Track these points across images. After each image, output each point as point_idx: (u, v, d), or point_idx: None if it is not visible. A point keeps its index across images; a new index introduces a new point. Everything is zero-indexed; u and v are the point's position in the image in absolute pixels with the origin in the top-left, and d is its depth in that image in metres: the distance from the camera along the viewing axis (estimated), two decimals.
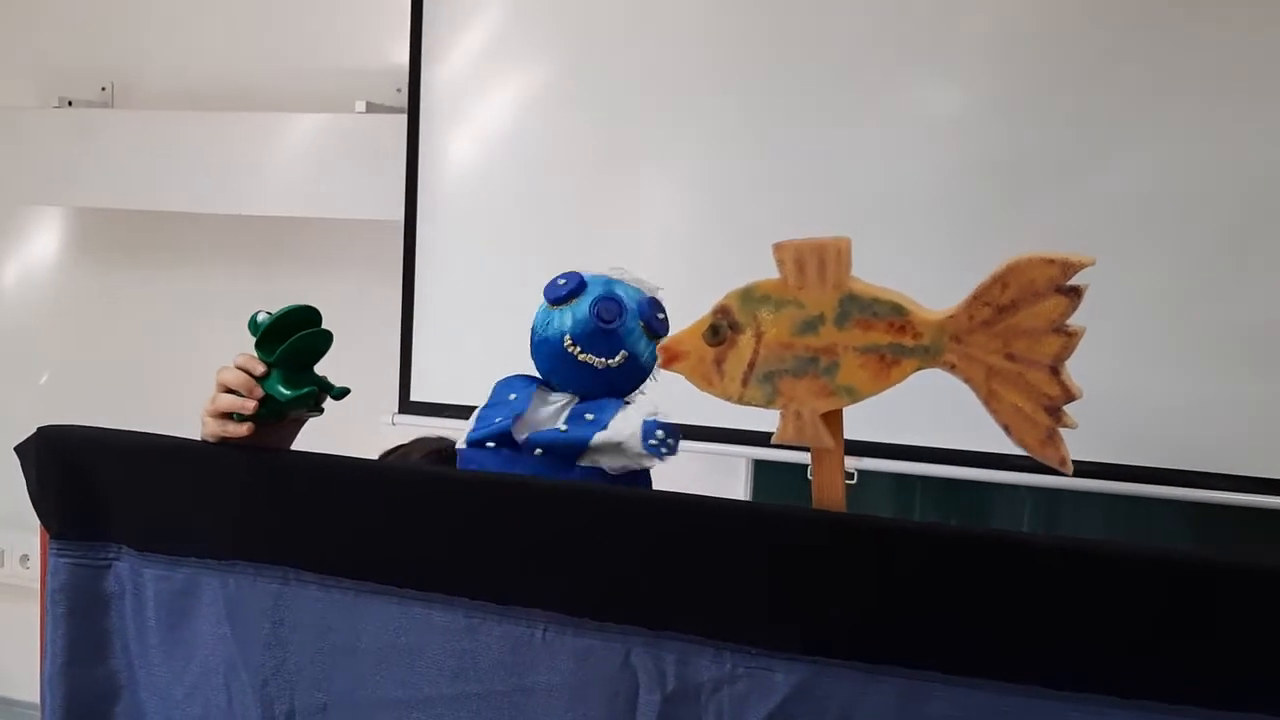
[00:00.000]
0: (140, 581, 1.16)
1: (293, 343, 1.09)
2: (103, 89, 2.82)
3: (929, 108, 2.16)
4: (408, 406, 2.43)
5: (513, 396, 1.17)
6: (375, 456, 1.35)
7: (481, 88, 2.42)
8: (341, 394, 1.13)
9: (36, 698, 1.20)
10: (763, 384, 1.01)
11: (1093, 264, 0.90)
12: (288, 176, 2.58)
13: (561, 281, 1.18)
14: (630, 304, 1.17)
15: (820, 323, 0.98)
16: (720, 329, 1.01)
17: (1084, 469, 1.98)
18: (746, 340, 1.01)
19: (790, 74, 2.21)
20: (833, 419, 1.01)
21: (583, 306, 1.16)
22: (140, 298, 2.89)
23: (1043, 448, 0.94)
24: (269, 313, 1.11)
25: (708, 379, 1.03)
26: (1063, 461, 0.94)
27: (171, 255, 2.87)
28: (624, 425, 1.13)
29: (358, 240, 2.65)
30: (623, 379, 1.18)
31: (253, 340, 1.12)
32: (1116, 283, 2.00)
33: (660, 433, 1.12)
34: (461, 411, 1.23)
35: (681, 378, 1.05)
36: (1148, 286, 2.01)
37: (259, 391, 1.10)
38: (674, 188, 2.33)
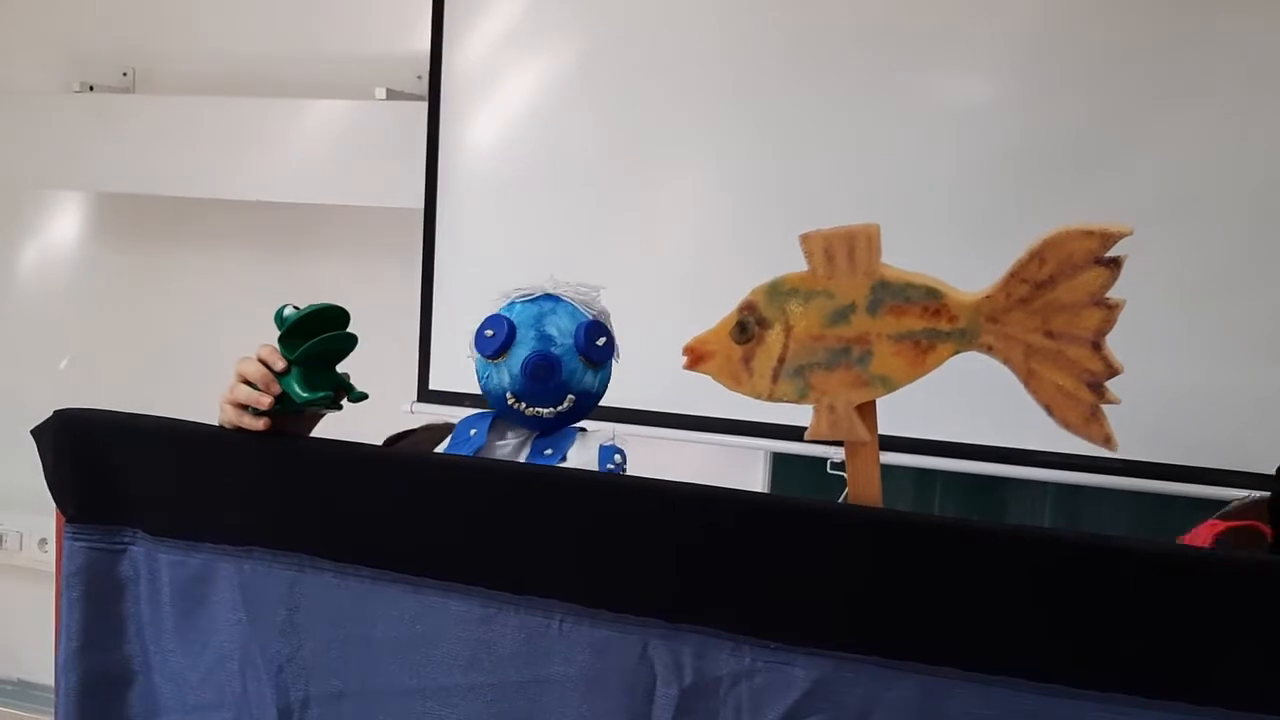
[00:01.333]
0: (155, 566, 1.16)
1: (315, 344, 1.08)
2: (124, 74, 2.83)
3: (949, 101, 2.13)
4: (426, 395, 2.43)
5: (473, 432, 1.18)
6: (382, 442, 1.35)
7: (502, 75, 2.42)
8: (360, 398, 1.12)
9: (53, 681, 1.20)
10: (794, 379, 0.99)
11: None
12: (308, 163, 2.57)
13: (489, 333, 1.15)
14: (565, 344, 1.14)
15: (851, 312, 0.96)
16: (748, 325, 0.99)
17: (1106, 465, 1.99)
18: (775, 335, 0.99)
19: (809, 63, 2.19)
20: (866, 411, 0.99)
21: (515, 363, 1.13)
22: (160, 283, 2.89)
23: (1086, 425, 0.92)
24: (296, 307, 1.10)
25: (736, 378, 1.01)
26: (1107, 439, 0.92)
27: (191, 241, 2.87)
28: (582, 454, 1.14)
29: (377, 227, 2.65)
30: (575, 415, 1.17)
31: (276, 331, 1.11)
32: (1137, 277, 1.97)
33: (617, 457, 1.14)
34: (480, 401, 1.23)
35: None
36: (1169, 280, 1.98)
37: (276, 388, 1.09)
38: (692, 175, 2.32)
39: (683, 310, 2.24)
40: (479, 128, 2.42)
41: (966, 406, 1.98)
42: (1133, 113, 2.01)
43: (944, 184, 2.09)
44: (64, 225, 3.02)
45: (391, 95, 2.51)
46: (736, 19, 2.24)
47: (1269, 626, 0.86)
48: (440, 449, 1.22)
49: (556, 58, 2.39)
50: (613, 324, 1.22)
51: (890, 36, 2.13)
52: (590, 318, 1.16)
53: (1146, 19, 2.00)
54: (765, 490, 2.32)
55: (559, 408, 1.15)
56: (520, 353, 1.13)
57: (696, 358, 1.02)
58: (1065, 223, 2.08)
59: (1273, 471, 1.41)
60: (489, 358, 1.15)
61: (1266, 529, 0.81)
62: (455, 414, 2.03)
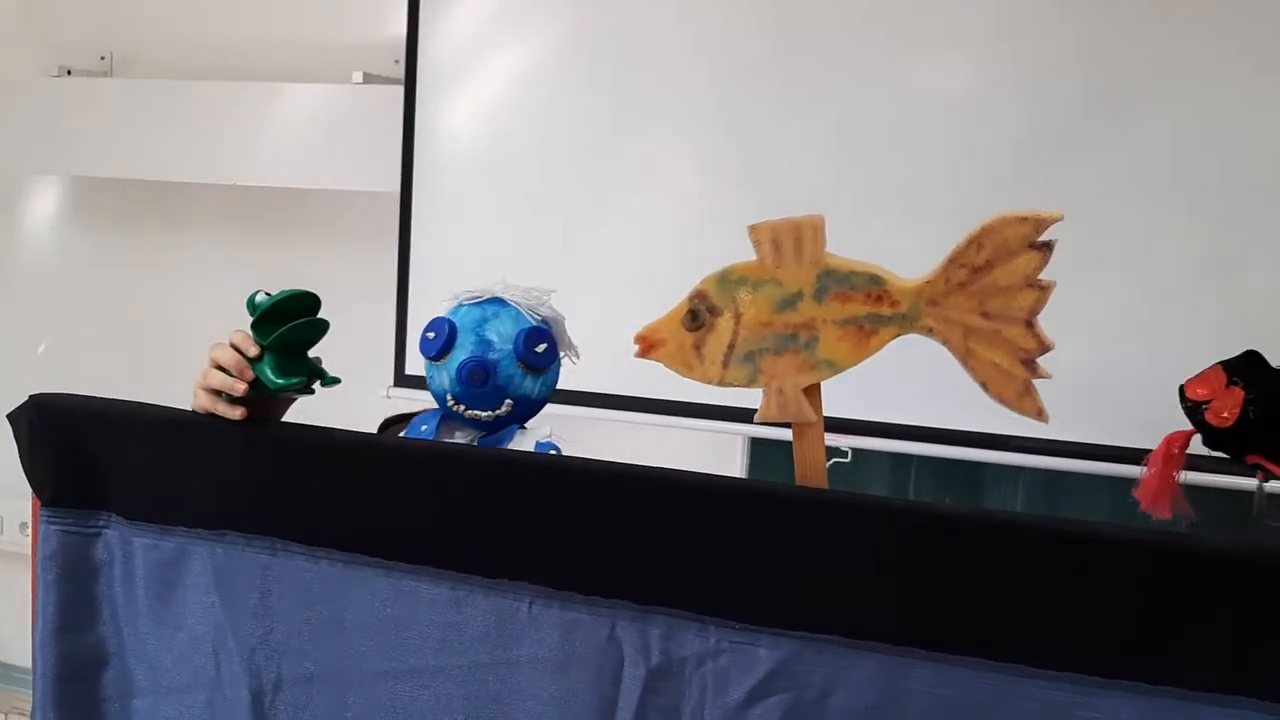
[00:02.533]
0: (129, 550, 1.17)
1: (289, 330, 1.09)
2: (102, 58, 2.81)
3: (932, 89, 2.14)
4: (403, 380, 2.43)
5: (424, 428, 1.19)
6: (376, 426, 1.35)
7: (479, 59, 2.41)
8: (332, 383, 1.13)
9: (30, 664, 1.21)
10: (744, 364, 1.02)
11: (1061, 219, 0.93)
12: (285, 147, 2.57)
13: (431, 335, 1.16)
14: (503, 349, 1.15)
15: (799, 299, 1.00)
16: (699, 314, 1.03)
17: (1079, 450, 2.01)
18: (725, 322, 1.02)
19: (789, 49, 2.19)
20: (812, 393, 1.03)
21: (452, 367, 1.14)
22: (137, 267, 2.89)
23: (1020, 400, 0.97)
24: (268, 293, 1.11)
25: (687, 364, 1.04)
26: (1039, 412, 0.96)
27: (169, 225, 2.86)
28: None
29: (354, 212, 2.65)
30: (515, 420, 1.18)
31: (249, 317, 1.11)
32: (1120, 264, 2.00)
33: (552, 453, 1.15)
34: None
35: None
36: (1152, 268, 2.00)
37: (249, 374, 1.10)
38: (673, 161, 2.32)
39: (661, 295, 2.26)
40: (455, 113, 2.42)
41: (942, 391, 2.00)
42: (1121, 101, 2.02)
43: (927, 172, 2.10)
44: (42, 210, 3.01)
45: (368, 80, 2.50)
46: (717, 6, 2.24)
47: (1222, 609, 0.88)
48: None
49: (533, 44, 2.39)
50: (566, 327, 1.22)
51: (873, 25, 2.14)
52: (533, 323, 1.17)
53: (1134, 7, 2.01)
54: (743, 475, 2.34)
55: (497, 411, 1.15)
56: (458, 356, 1.14)
57: (648, 346, 1.06)
58: (1049, 208, 2.09)
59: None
60: (431, 359, 1.16)
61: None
62: (432, 400, 2.05)
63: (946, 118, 2.11)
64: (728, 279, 1.02)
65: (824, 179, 2.15)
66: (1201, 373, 0.87)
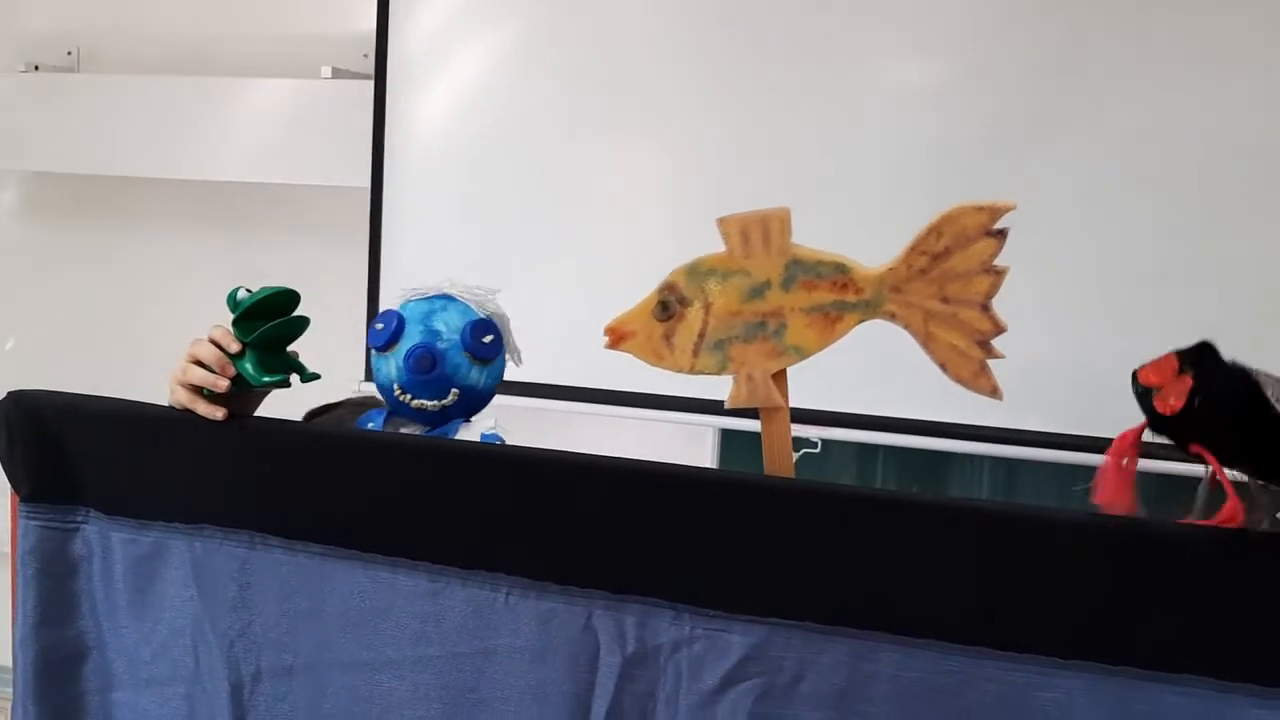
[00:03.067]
0: (108, 544, 1.17)
1: (271, 328, 1.10)
2: (69, 53, 2.79)
3: (894, 85, 2.18)
4: None
5: (370, 426, 1.20)
6: (302, 416, 1.37)
7: (448, 53, 2.42)
8: (312, 378, 1.14)
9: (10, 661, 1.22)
10: (714, 352, 1.05)
11: (1015, 207, 0.98)
12: (254, 142, 2.57)
13: (379, 325, 1.17)
14: (450, 339, 1.16)
15: (767, 288, 1.03)
16: (669, 304, 1.06)
17: (1042, 439, 2.05)
18: (695, 312, 1.05)
19: (756, 44, 2.22)
20: (780, 380, 1.06)
21: (400, 355, 1.15)
22: (105, 263, 2.87)
23: (976, 379, 1.01)
24: (249, 290, 1.12)
25: (658, 354, 1.07)
26: (994, 390, 1.01)
27: (138, 221, 2.85)
28: None
29: (324, 207, 2.65)
30: (463, 409, 1.19)
31: (228, 313, 1.12)
32: (1084, 255, 2.04)
33: (497, 444, 1.16)
34: None
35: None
36: (1115, 259, 2.04)
37: (231, 370, 1.11)
38: (642, 154, 2.34)
39: (630, 287, 2.28)
40: (426, 107, 2.43)
41: (909, 383, 2.03)
42: (1078, 96, 2.05)
43: (894, 165, 2.13)
44: (8, 205, 2.99)
45: (337, 74, 2.51)
46: (686, 1, 2.26)
47: (1174, 591, 0.91)
48: None
49: (503, 37, 2.40)
50: (510, 328, 1.24)
51: (841, 21, 2.17)
52: (480, 316, 1.19)
53: (1084, 8, 2.05)
54: (714, 465, 2.36)
55: (443, 401, 1.16)
56: (404, 346, 1.15)
57: (618, 337, 1.08)
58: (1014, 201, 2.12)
59: None
60: (378, 349, 1.17)
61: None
62: (365, 391, 2.05)
63: (913, 111, 2.14)
64: (697, 270, 1.05)
65: (791, 171, 2.18)
66: (1155, 359, 0.90)
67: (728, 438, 2.38)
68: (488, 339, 1.18)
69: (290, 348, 1.14)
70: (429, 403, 1.16)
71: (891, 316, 1.02)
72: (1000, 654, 0.94)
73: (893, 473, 2.31)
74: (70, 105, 2.65)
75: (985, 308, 1.00)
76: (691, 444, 2.36)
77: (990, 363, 1.00)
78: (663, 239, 2.23)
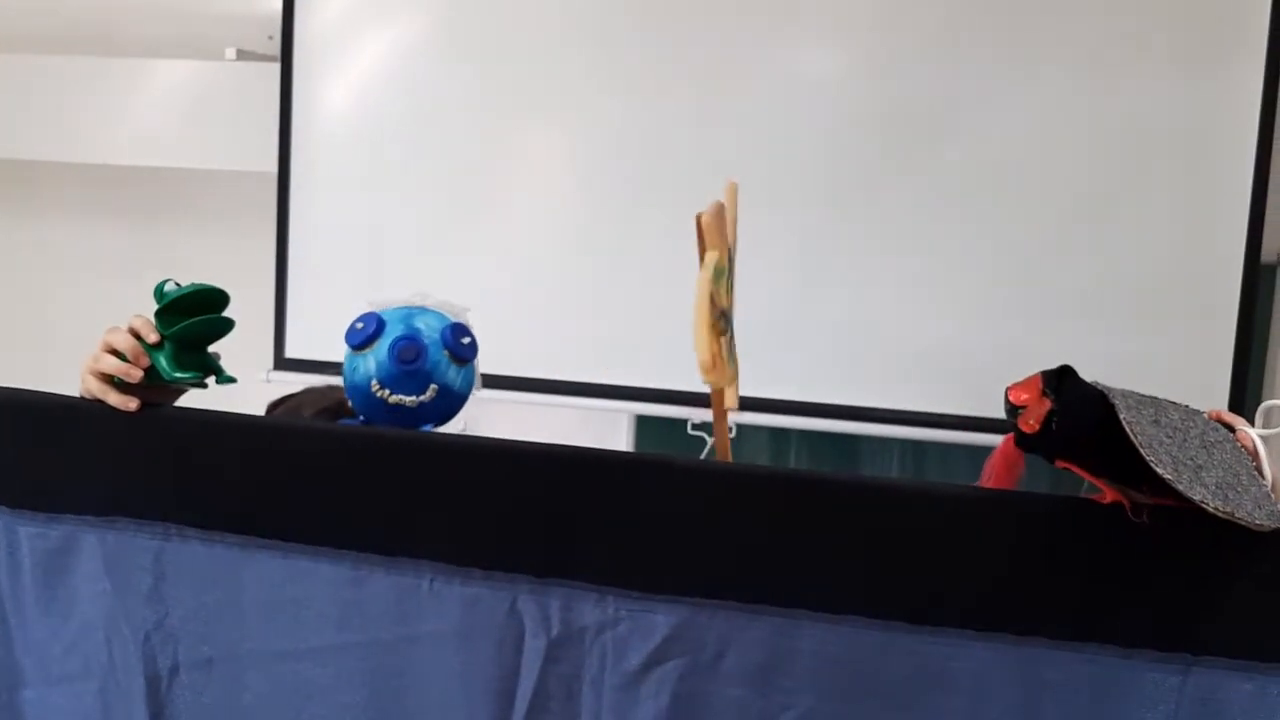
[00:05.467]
0: (15, 539, 1.14)
1: (194, 324, 1.08)
2: None
3: (806, 70, 2.21)
4: (283, 363, 2.40)
5: None
6: (260, 409, 1.34)
7: (357, 35, 2.39)
8: (228, 381, 1.13)
9: None
10: (730, 355, 1.07)
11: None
12: (156, 125, 2.50)
13: (359, 325, 1.17)
14: (431, 337, 1.16)
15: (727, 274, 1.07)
16: (726, 314, 1.05)
17: (945, 421, 2.10)
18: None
19: (670, 29, 2.23)
20: None
21: (383, 350, 1.15)
22: (2, 250, 2.77)
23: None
24: (178, 284, 1.10)
25: (721, 374, 1.05)
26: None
27: (33, 206, 2.76)
28: None
29: (229, 192, 2.60)
30: (437, 411, 1.19)
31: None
32: (977, 240, 2.10)
33: (418, 431, 1.16)
34: (338, 369, 1.23)
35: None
36: (1005, 244, 2.11)
37: (146, 361, 1.08)
38: (554, 140, 2.34)
39: (545, 274, 2.29)
40: (334, 90, 2.39)
41: (820, 367, 2.07)
42: (981, 85, 2.11)
43: (802, 150, 2.17)
44: None
45: (242, 56, 2.46)
46: None
47: (1076, 563, 0.95)
48: None
49: (413, 18, 2.37)
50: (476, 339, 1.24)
51: (744, 7, 2.19)
52: (458, 320, 1.20)
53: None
54: (631, 450, 2.38)
55: (421, 397, 1.16)
56: (388, 339, 1.15)
57: (709, 370, 1.04)
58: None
59: None
60: (356, 348, 1.16)
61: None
62: (312, 382, 2.03)
63: (818, 102, 2.18)
64: (721, 273, 1.05)
65: (699, 154, 2.20)
66: (1025, 379, 0.94)
67: (643, 423, 2.40)
68: (466, 340, 1.18)
69: (212, 348, 1.13)
70: (407, 398, 1.15)
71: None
72: (915, 627, 0.97)
73: (805, 456, 2.35)
74: None
75: None
76: (607, 429, 2.37)
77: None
78: (573, 223, 2.23)
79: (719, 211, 1.03)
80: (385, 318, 1.16)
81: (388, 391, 1.15)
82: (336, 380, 1.17)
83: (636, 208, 2.15)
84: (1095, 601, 0.95)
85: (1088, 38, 2.07)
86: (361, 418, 1.17)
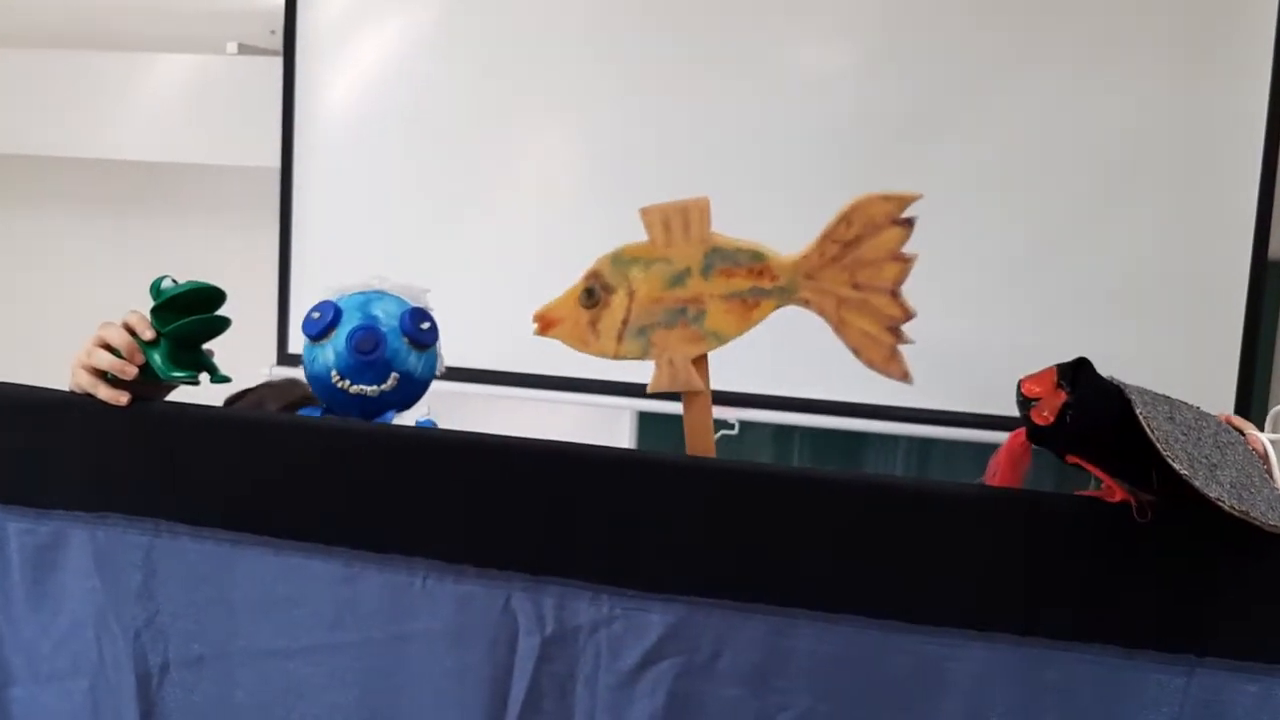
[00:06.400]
0: (3, 535, 1.13)
1: (191, 322, 1.08)
2: None
3: (803, 68, 2.20)
4: (286, 359, 2.40)
5: None
6: (222, 403, 1.33)
7: (360, 29, 2.38)
8: (223, 380, 1.13)
9: None
10: (637, 338, 1.08)
11: (922, 197, 1.01)
12: (157, 120, 2.50)
13: (315, 314, 1.15)
14: (390, 324, 1.15)
15: (687, 276, 1.06)
16: (594, 292, 1.08)
17: (949, 418, 2.09)
18: (619, 300, 1.08)
19: (670, 27, 2.22)
20: (701, 364, 1.08)
21: (340, 339, 1.14)
22: (2, 243, 2.77)
23: (887, 364, 1.05)
24: (175, 281, 1.09)
25: (584, 340, 1.09)
26: (905, 375, 1.05)
27: (35, 201, 2.75)
28: None
29: (232, 187, 2.59)
30: (399, 399, 1.17)
31: (129, 298, 1.09)
32: (980, 237, 2.08)
33: (411, 427, 1.15)
34: None
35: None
36: (1008, 241, 2.09)
37: (140, 358, 1.07)
38: (556, 136, 2.33)
39: (545, 269, 2.27)
40: (336, 84, 2.39)
41: (823, 365, 2.06)
42: (982, 83, 2.10)
43: (803, 148, 2.16)
44: None
45: (244, 50, 2.45)
46: None
47: (1078, 561, 0.94)
48: None
49: (416, 12, 2.36)
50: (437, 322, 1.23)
51: (749, 5, 2.18)
52: (416, 305, 1.18)
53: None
54: (632, 447, 2.37)
55: (382, 386, 1.15)
56: (345, 329, 1.13)
57: (546, 324, 1.11)
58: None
59: None
60: (314, 338, 1.15)
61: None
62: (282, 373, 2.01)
63: (818, 100, 2.16)
64: (621, 259, 1.08)
65: (705, 153, 2.19)
66: (1039, 371, 0.93)
67: (645, 420, 2.39)
68: (425, 325, 1.17)
69: (206, 346, 1.12)
70: (368, 388, 1.14)
71: (805, 303, 1.06)
72: (914, 627, 0.96)
73: (808, 453, 2.34)
74: None
75: (894, 294, 1.04)
76: (609, 426, 2.36)
77: (901, 347, 1.03)
78: (578, 220, 2.22)
79: (677, 212, 1.06)
80: (342, 305, 1.15)
81: (348, 382, 1.13)
82: (296, 373, 1.16)
83: (641, 203, 2.13)
84: (1097, 601, 0.94)
85: (1093, 33, 2.05)
86: (324, 407, 1.16)
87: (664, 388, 1.08)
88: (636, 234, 1.08)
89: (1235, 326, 2.03)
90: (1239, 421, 0.98)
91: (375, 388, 1.14)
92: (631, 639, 1.00)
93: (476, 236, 2.32)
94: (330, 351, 1.13)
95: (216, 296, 1.11)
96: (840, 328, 1.05)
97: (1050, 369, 0.92)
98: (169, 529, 1.10)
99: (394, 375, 1.14)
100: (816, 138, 2.16)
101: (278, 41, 2.38)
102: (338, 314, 1.14)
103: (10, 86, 2.53)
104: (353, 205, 2.39)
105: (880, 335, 1.04)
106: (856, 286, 1.04)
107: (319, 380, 1.15)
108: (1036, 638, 0.95)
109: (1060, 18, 2.07)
